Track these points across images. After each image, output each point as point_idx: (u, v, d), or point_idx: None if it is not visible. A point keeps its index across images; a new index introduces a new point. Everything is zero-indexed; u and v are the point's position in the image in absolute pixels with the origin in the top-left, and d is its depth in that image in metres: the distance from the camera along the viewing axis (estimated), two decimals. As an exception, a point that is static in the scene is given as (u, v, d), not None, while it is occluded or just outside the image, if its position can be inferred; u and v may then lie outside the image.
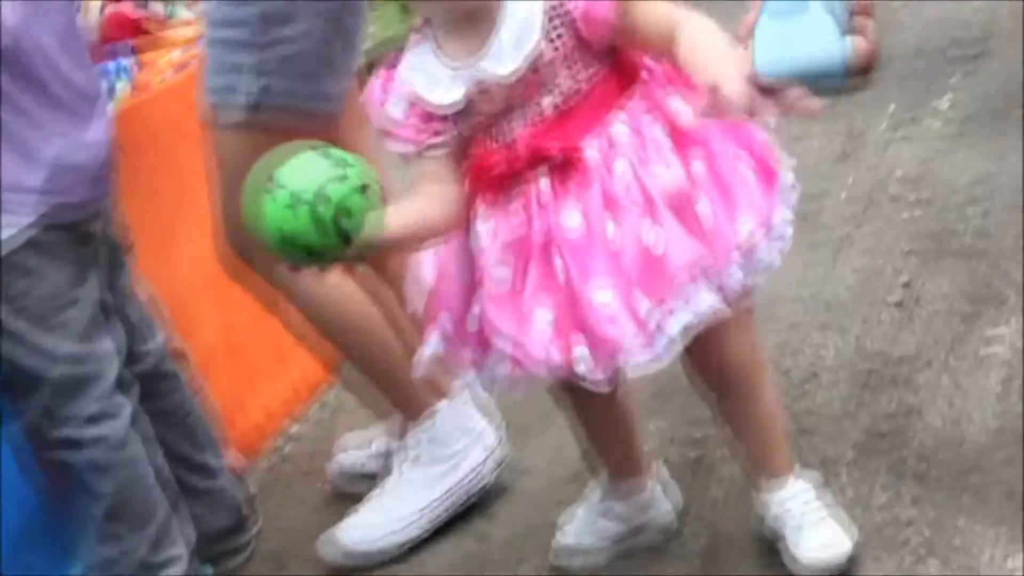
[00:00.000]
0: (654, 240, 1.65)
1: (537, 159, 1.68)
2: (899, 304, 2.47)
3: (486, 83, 1.68)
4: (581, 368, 1.66)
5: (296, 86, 2.08)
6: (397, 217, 1.66)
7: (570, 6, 1.66)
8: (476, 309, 1.75)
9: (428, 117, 1.71)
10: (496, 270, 1.71)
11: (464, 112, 1.70)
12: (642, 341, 1.64)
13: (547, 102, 1.69)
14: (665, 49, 1.65)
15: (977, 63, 3.45)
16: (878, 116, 3.20)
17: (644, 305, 1.64)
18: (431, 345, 1.81)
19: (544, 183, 1.68)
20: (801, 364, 2.37)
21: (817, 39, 4.26)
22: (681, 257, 1.64)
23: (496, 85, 1.67)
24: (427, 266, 1.81)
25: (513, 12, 1.67)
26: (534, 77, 1.67)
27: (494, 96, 1.68)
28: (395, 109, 1.73)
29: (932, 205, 2.74)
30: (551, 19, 1.66)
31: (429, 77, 1.71)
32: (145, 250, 2.36)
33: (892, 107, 3.20)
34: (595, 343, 1.65)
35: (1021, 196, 2.66)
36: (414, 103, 1.72)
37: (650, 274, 1.64)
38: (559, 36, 1.67)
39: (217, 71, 2.12)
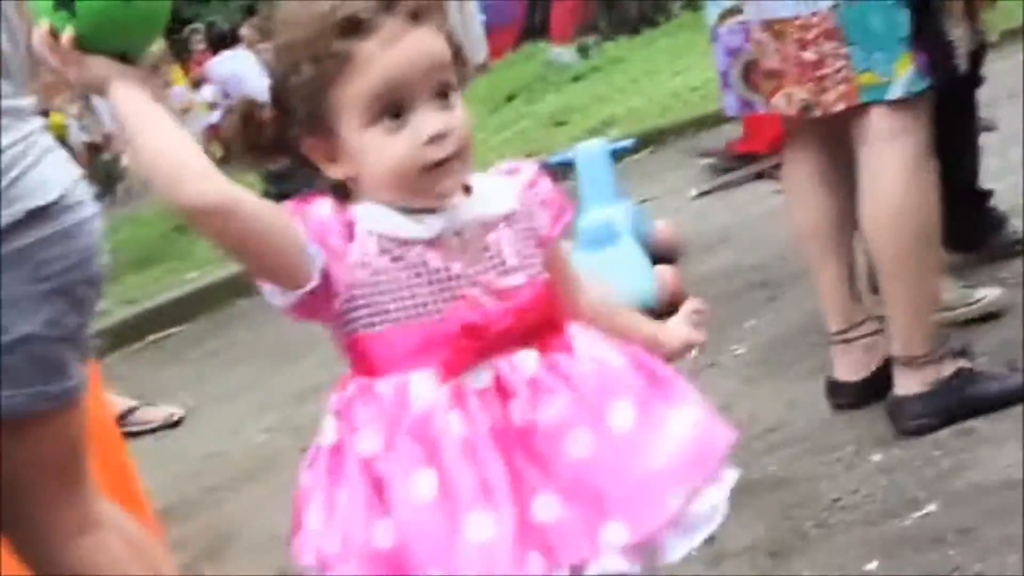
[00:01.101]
0: (688, 419, 1.55)
1: (542, 321, 1.51)
2: (706, 544, 2.46)
3: (466, 225, 1.51)
4: (614, 558, 1.44)
5: (17, 399, 1.91)
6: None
7: (534, 189, 1.58)
8: (483, 531, 1.41)
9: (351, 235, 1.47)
10: (488, 467, 1.44)
11: (430, 244, 1.49)
12: (679, 522, 1.51)
13: (517, 269, 1.53)
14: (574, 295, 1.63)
15: (771, 303, 3.59)
16: (677, 361, 3.26)
17: (683, 486, 1.51)
18: None
19: (531, 357, 1.48)
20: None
21: (628, 273, 4.44)
22: (723, 436, 1.58)
23: (476, 228, 1.51)
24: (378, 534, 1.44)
25: (480, 181, 1.56)
26: (509, 229, 1.53)
27: (467, 241, 1.51)
28: (321, 209, 1.48)
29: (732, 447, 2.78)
30: (516, 190, 1.58)
31: (399, 214, 1.49)
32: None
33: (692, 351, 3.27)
34: (631, 528, 1.46)
35: (815, 436, 2.73)
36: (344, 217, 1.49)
37: (692, 457, 1.54)
38: (521, 210, 1.56)
39: None
